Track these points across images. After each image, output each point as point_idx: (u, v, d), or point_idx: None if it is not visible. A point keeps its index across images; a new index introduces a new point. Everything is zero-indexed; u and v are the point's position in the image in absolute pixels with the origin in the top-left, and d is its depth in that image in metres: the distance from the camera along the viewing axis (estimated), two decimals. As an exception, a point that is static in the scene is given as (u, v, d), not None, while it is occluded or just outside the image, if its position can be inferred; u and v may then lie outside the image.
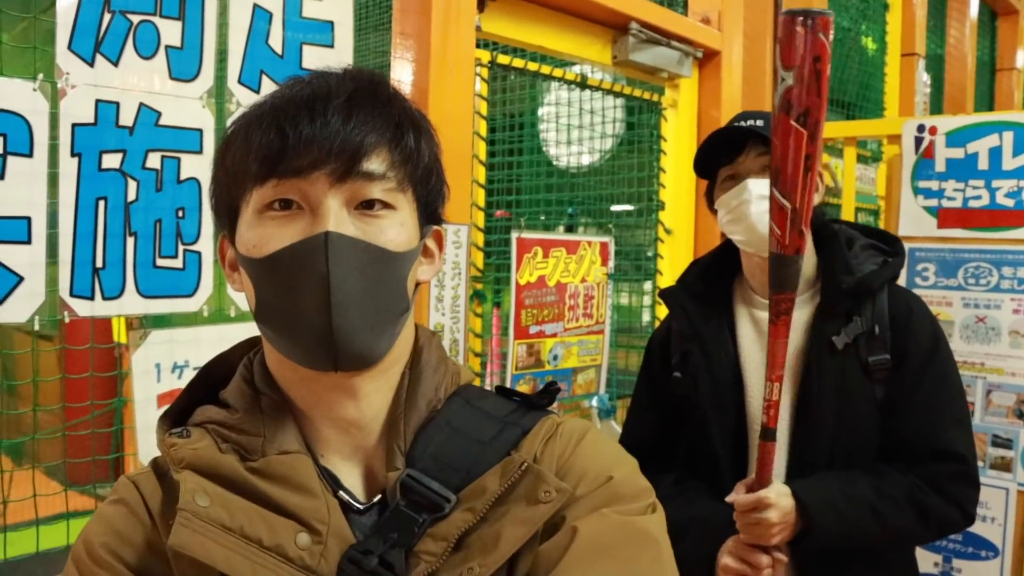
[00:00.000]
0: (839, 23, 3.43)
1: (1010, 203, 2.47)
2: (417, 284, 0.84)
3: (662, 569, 0.78)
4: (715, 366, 1.66)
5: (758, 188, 1.55)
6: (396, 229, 0.78)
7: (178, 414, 0.86)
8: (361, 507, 0.81)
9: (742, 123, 1.59)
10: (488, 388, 0.92)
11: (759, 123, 1.57)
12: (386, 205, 0.78)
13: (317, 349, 0.76)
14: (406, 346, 0.85)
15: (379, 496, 0.81)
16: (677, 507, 1.67)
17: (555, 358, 2.31)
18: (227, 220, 0.83)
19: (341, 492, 0.81)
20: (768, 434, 1.56)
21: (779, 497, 1.54)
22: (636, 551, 0.77)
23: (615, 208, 2.76)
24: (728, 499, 1.58)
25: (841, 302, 1.59)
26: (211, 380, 0.89)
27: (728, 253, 1.74)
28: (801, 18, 1.24)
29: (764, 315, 1.66)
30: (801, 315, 1.63)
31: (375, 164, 0.77)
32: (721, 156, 1.61)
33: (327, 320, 0.74)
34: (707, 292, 1.72)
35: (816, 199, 1.55)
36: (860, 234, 1.71)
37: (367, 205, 0.77)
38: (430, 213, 0.84)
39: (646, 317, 2.78)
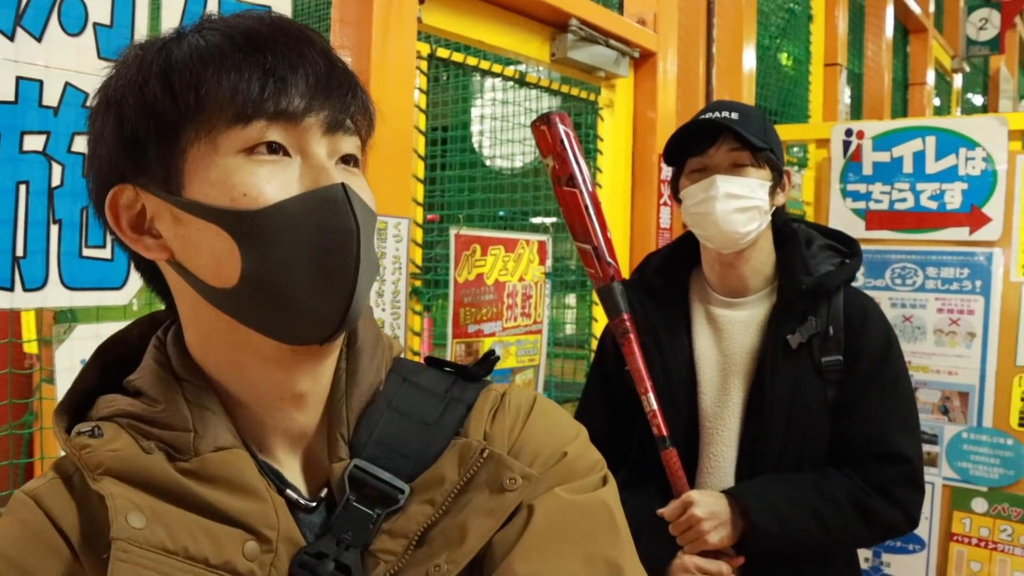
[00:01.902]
0: (762, 40, 3.50)
1: (933, 205, 2.55)
2: None
3: (619, 543, 0.76)
4: (669, 361, 1.66)
5: (726, 186, 1.56)
6: (368, 191, 0.72)
7: (75, 407, 0.74)
8: (308, 504, 0.73)
9: (716, 114, 1.59)
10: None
11: (734, 115, 1.57)
12: (356, 163, 0.73)
13: (327, 316, 0.67)
14: None
15: (325, 490, 0.75)
16: (626, 511, 1.66)
17: (493, 358, 2.28)
18: (156, 165, 0.68)
19: (288, 491, 0.73)
20: (663, 442, 1.60)
21: (701, 495, 1.56)
22: (592, 528, 0.74)
23: (535, 220, 2.74)
24: (658, 512, 1.59)
25: (798, 302, 1.61)
26: (109, 364, 0.77)
27: (686, 246, 1.74)
28: (540, 122, 1.70)
29: (720, 311, 1.67)
30: (757, 313, 1.64)
31: (354, 121, 0.72)
32: (693, 145, 1.60)
33: (352, 283, 0.66)
34: (664, 286, 1.72)
35: (781, 200, 1.60)
36: (818, 234, 1.73)
37: (345, 161, 0.71)
38: None
39: (578, 324, 2.77)
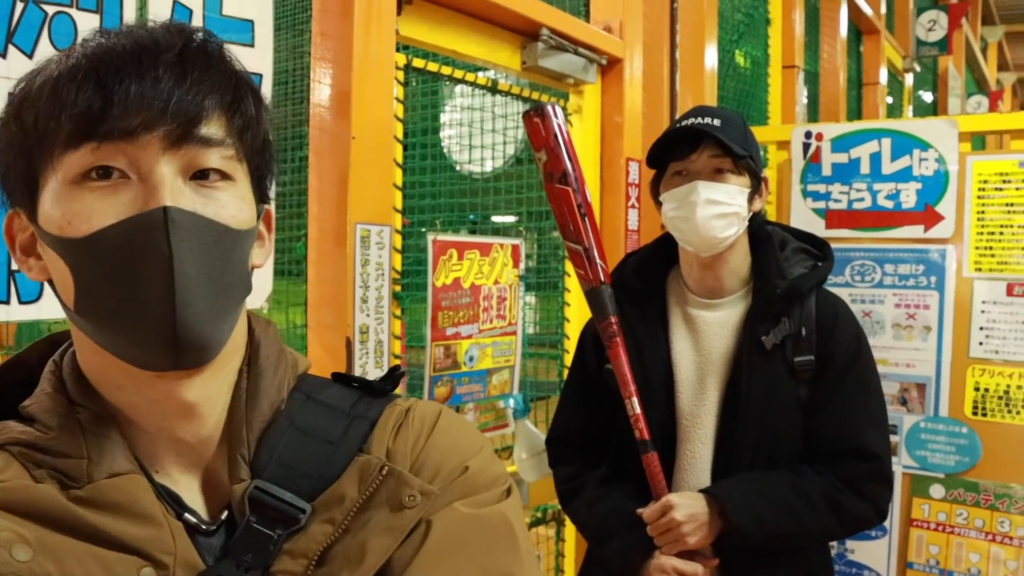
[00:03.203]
0: (723, 44, 3.58)
1: (889, 204, 2.65)
2: (252, 269, 0.75)
3: (518, 557, 0.75)
4: (647, 361, 1.71)
5: (707, 192, 1.60)
6: (237, 204, 0.70)
7: None
8: (208, 527, 0.72)
9: (698, 119, 1.63)
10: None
11: (716, 122, 1.61)
12: (224, 176, 0.69)
13: (156, 344, 0.65)
14: (241, 337, 0.77)
15: (225, 512, 0.73)
16: (603, 509, 1.71)
17: (471, 359, 2.33)
18: (23, 194, 0.69)
19: (186, 514, 0.72)
20: (645, 446, 1.64)
21: (680, 497, 1.61)
22: (491, 543, 0.74)
23: (497, 219, 2.80)
24: (637, 512, 1.64)
25: (772, 304, 1.66)
26: (2, 389, 0.75)
27: (664, 247, 1.79)
28: (534, 114, 1.64)
29: (697, 312, 1.73)
30: (733, 314, 1.70)
31: (214, 129, 0.68)
32: (675, 150, 1.65)
33: (170, 311, 0.64)
34: (642, 287, 1.77)
35: (759, 205, 1.66)
36: (792, 237, 1.78)
37: (203, 175, 0.68)
38: (262, 190, 0.76)
39: (551, 324, 2.83)
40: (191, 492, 0.74)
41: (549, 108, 1.63)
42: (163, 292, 0.64)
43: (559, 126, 1.64)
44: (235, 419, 0.75)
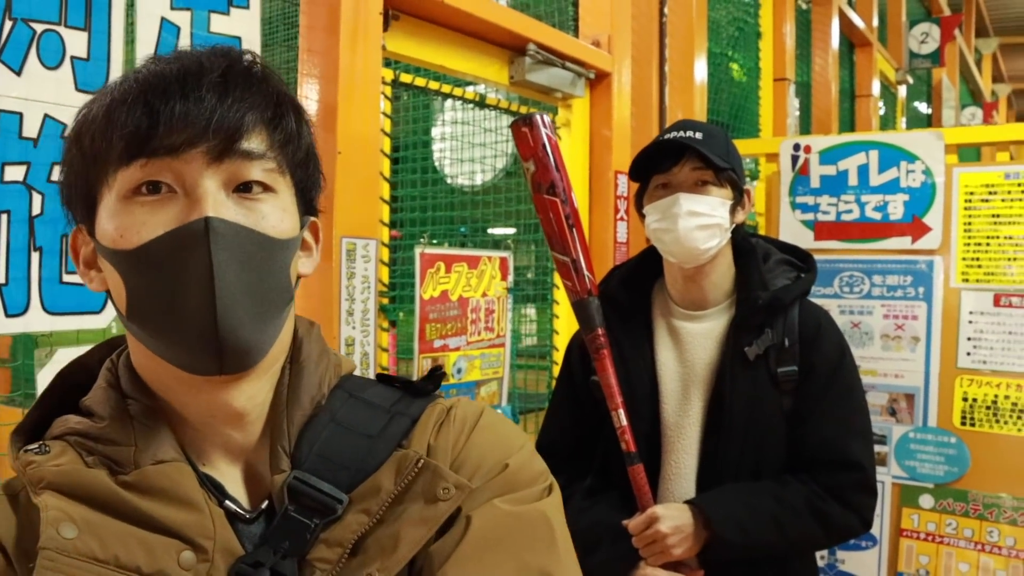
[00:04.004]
0: (713, 57, 3.61)
1: (877, 216, 2.67)
2: (298, 278, 0.79)
3: (556, 555, 0.76)
4: (632, 373, 1.72)
5: (689, 204, 1.62)
6: (279, 215, 0.73)
7: (33, 428, 0.77)
8: (248, 515, 0.76)
9: (680, 133, 1.64)
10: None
11: (698, 135, 1.62)
12: (266, 188, 0.73)
13: (200, 350, 0.69)
14: (287, 340, 0.80)
15: (266, 502, 0.77)
16: (590, 520, 1.72)
17: (459, 371, 2.34)
18: (84, 210, 0.75)
19: (227, 502, 0.75)
20: (632, 458, 1.64)
21: (666, 509, 1.61)
22: (530, 540, 0.76)
23: (492, 231, 2.81)
24: (623, 523, 1.65)
25: (755, 315, 1.67)
26: (69, 388, 0.80)
27: (649, 260, 1.81)
28: (522, 124, 1.61)
29: (682, 324, 1.74)
30: (717, 325, 1.71)
31: (255, 143, 0.71)
32: (657, 163, 1.67)
33: (212, 318, 0.68)
34: (628, 299, 1.78)
35: (742, 217, 1.68)
36: (776, 249, 1.79)
37: (246, 188, 0.72)
38: (307, 202, 0.80)
39: (540, 336, 2.85)
40: (234, 482, 0.77)
41: (537, 118, 1.62)
42: (205, 298, 0.67)
43: (547, 136, 1.62)
44: (277, 412, 0.78)
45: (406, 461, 0.76)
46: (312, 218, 0.82)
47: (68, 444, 0.73)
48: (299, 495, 0.74)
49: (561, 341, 2.61)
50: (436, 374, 0.86)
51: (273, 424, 0.78)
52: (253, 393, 0.76)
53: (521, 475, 0.79)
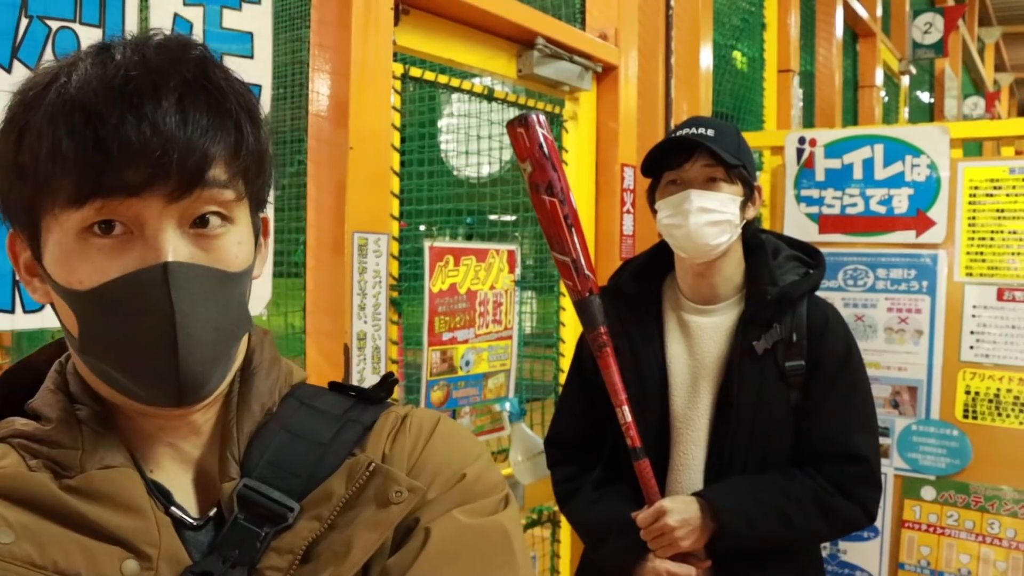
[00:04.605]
0: (718, 49, 3.61)
1: (882, 210, 2.68)
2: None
3: (514, 567, 0.76)
4: (643, 365, 1.74)
5: (700, 200, 1.64)
6: (235, 248, 0.71)
7: None
8: (196, 523, 0.74)
9: (692, 130, 1.66)
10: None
11: (709, 132, 1.65)
12: (224, 219, 0.70)
13: (159, 391, 0.68)
14: (241, 354, 0.78)
15: (215, 510, 0.75)
16: (599, 511, 1.75)
17: (467, 364, 2.36)
18: (23, 225, 0.70)
19: (173, 508, 0.73)
20: (637, 453, 1.67)
21: (673, 502, 1.64)
22: (489, 553, 0.75)
23: (493, 217, 2.82)
24: (632, 515, 1.67)
25: (764, 310, 1.69)
26: (14, 389, 0.78)
27: (661, 255, 1.83)
28: (517, 124, 1.61)
29: (692, 317, 1.76)
30: (726, 320, 1.74)
31: (216, 175, 0.67)
32: (669, 159, 1.69)
33: (173, 363, 0.66)
34: (639, 292, 1.80)
35: (752, 213, 1.70)
36: (785, 245, 1.82)
37: (202, 221, 0.68)
38: (259, 203, 0.77)
39: (548, 325, 2.86)
40: (183, 489, 0.76)
41: (533, 117, 1.61)
42: (166, 345, 0.66)
43: (543, 136, 1.62)
44: (227, 420, 0.77)
45: (357, 466, 0.75)
46: (263, 215, 0.79)
47: (11, 447, 0.71)
48: (249, 503, 0.73)
49: (567, 332, 2.62)
50: (388, 381, 0.85)
51: (223, 431, 0.77)
52: (207, 411, 0.76)
53: (479, 485, 0.78)
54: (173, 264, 0.65)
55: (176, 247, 0.66)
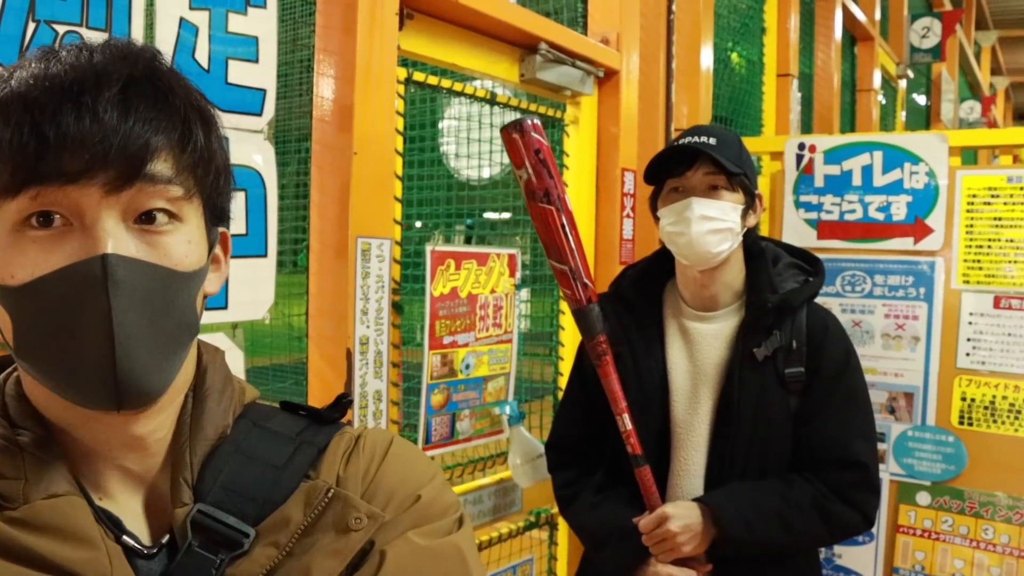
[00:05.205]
0: (718, 54, 3.62)
1: (880, 216, 2.70)
2: (204, 297, 0.74)
3: None
4: (643, 371, 1.76)
5: (701, 208, 1.65)
6: (184, 247, 0.68)
7: None
8: (148, 551, 0.71)
9: (695, 138, 1.68)
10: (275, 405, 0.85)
11: (711, 140, 1.66)
12: (172, 217, 0.67)
13: (96, 390, 0.64)
14: (191, 369, 0.76)
15: (167, 537, 0.73)
16: (600, 515, 1.76)
17: (467, 367, 2.37)
18: None
19: (124, 536, 0.70)
20: (638, 460, 1.68)
21: (676, 508, 1.66)
22: (445, 574, 0.75)
23: (489, 216, 2.83)
24: (634, 521, 1.69)
25: (764, 317, 1.71)
26: None
27: (661, 261, 1.84)
28: (512, 130, 1.57)
29: (692, 324, 1.78)
30: (726, 326, 1.75)
31: (161, 167, 0.65)
32: (672, 167, 1.70)
33: (110, 360, 0.63)
34: (640, 298, 1.82)
35: (753, 221, 1.71)
36: (785, 252, 1.83)
37: (148, 218, 0.66)
38: (218, 215, 0.75)
39: (547, 325, 2.87)
40: (134, 516, 0.73)
41: (528, 123, 1.58)
42: (103, 343, 0.62)
43: (539, 142, 1.59)
44: (179, 443, 0.74)
45: (315, 491, 0.74)
46: (222, 229, 0.77)
47: None
48: (203, 529, 0.70)
49: (566, 335, 2.63)
50: (342, 402, 0.84)
51: (175, 455, 0.74)
52: (154, 427, 0.73)
53: (434, 507, 0.78)
54: (113, 257, 0.62)
55: (117, 240, 0.63)
